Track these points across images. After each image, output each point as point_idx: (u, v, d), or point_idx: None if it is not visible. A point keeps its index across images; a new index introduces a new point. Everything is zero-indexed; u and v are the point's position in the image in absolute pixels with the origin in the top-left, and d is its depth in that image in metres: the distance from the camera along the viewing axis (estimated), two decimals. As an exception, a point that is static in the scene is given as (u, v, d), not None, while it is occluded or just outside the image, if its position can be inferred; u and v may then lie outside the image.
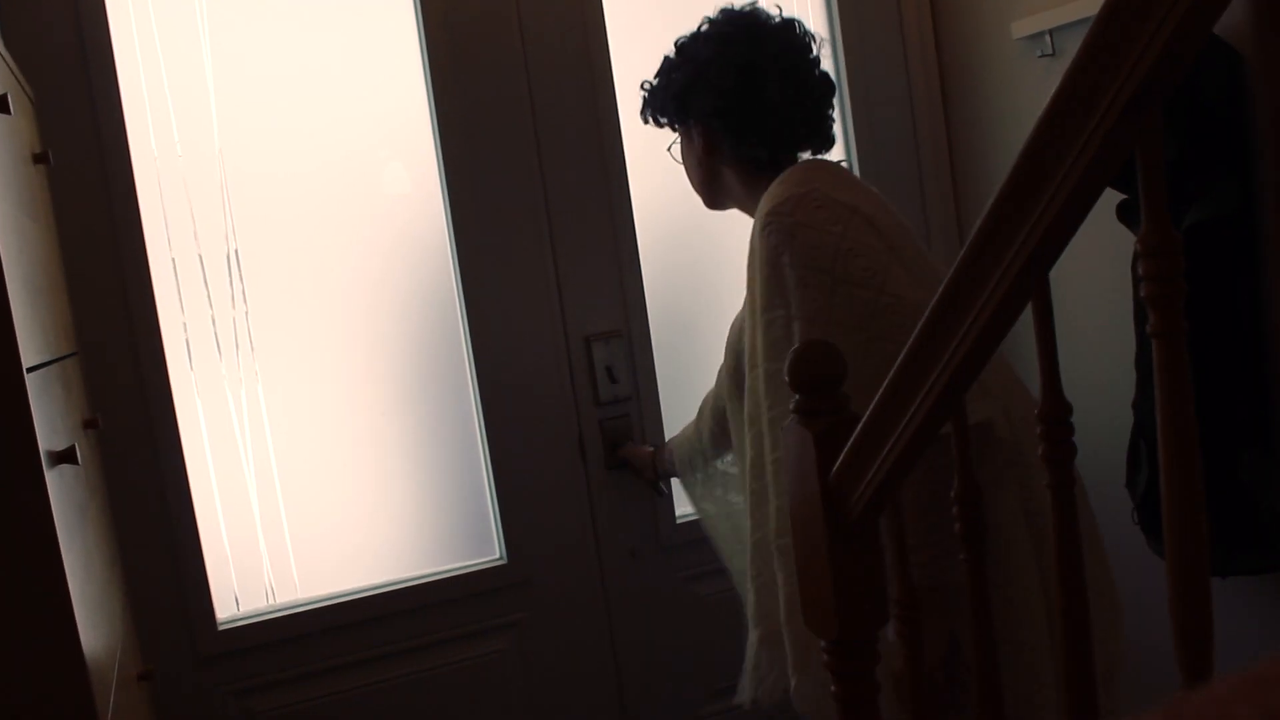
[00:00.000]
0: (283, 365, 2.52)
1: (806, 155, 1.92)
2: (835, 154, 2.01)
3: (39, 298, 1.64)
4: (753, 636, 1.86)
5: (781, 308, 1.69)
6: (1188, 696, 0.34)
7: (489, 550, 2.65)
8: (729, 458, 2.23)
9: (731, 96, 1.84)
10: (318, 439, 2.56)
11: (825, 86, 1.92)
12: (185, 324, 2.45)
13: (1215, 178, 1.88)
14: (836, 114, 1.99)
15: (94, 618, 1.52)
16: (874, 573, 1.43)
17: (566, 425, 2.67)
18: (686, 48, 1.93)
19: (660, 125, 2.01)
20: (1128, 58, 0.90)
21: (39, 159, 1.90)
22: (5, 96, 1.49)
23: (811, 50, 1.91)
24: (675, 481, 2.54)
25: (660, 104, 1.96)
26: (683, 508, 2.72)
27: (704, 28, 1.93)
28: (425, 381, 2.63)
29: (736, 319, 2.00)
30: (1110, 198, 1.93)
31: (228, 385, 2.49)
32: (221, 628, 2.44)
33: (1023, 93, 2.57)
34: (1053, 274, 1.07)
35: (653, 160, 2.34)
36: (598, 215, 2.67)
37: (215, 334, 2.47)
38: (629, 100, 2.50)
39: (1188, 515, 0.95)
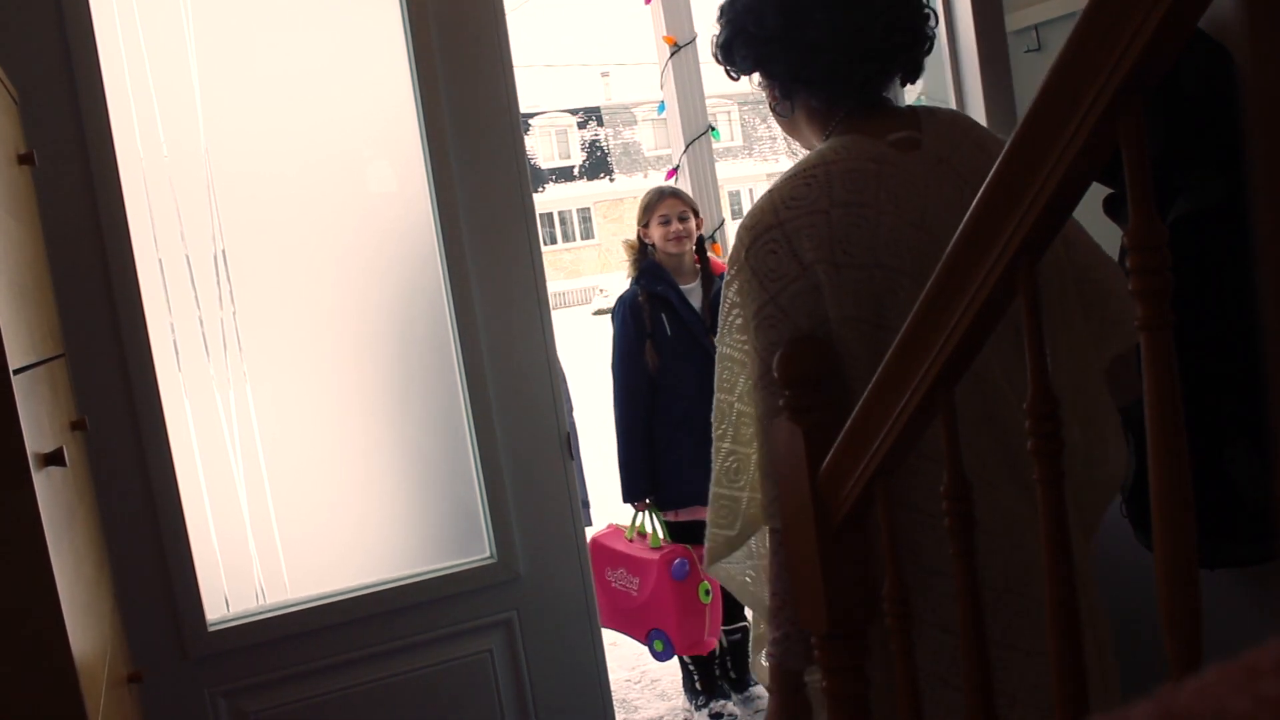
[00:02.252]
0: (271, 365, 2.52)
1: (898, 93, 1.63)
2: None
3: (25, 299, 1.63)
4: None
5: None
6: (1178, 688, 0.34)
7: (479, 549, 2.65)
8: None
9: (771, 45, 1.56)
10: (307, 439, 2.55)
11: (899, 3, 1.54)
12: (173, 325, 2.44)
13: (1200, 171, 1.88)
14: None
15: (83, 620, 1.52)
16: (864, 567, 1.43)
17: (553, 423, 2.67)
18: None
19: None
20: (1113, 52, 0.90)
21: (23, 160, 1.89)
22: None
23: None
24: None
25: (716, 54, 1.70)
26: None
27: None
28: (414, 380, 2.62)
29: None
30: (1097, 192, 1.94)
31: (216, 386, 2.48)
32: (211, 629, 2.44)
33: (1009, 88, 2.57)
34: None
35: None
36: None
37: (203, 334, 2.46)
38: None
39: (1176, 508, 0.96)
